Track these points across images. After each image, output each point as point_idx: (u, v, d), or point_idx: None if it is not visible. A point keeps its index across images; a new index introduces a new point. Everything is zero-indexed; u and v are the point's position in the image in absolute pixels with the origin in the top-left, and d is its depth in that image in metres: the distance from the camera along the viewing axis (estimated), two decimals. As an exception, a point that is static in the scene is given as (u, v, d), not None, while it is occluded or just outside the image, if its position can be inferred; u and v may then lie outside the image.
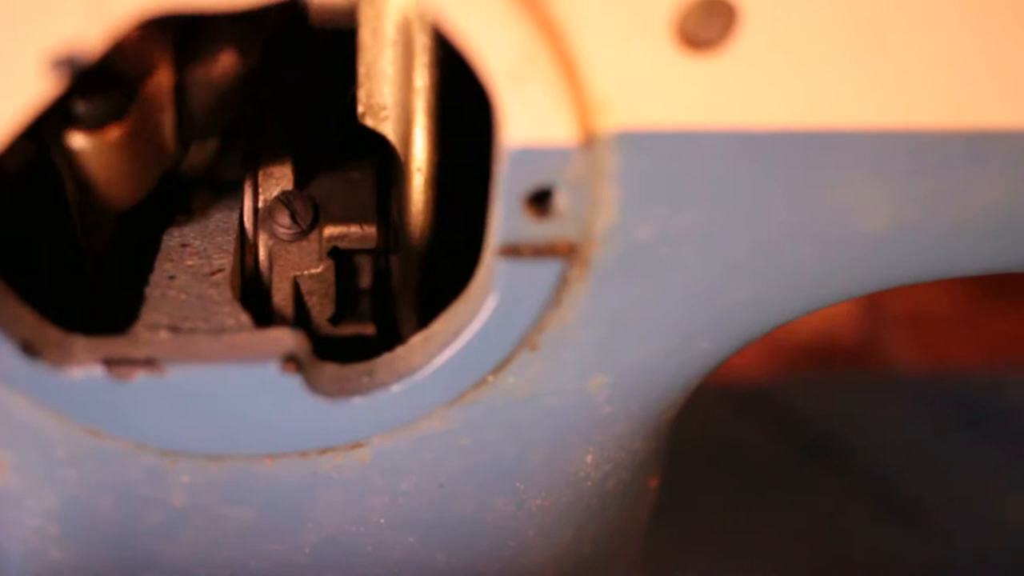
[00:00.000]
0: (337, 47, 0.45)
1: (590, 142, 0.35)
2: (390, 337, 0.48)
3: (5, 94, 0.33)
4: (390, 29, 0.40)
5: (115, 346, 0.39)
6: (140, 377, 0.39)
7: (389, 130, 0.43)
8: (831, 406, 1.29)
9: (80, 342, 0.39)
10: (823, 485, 1.24)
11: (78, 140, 0.38)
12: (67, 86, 0.33)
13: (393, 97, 0.42)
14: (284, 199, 0.46)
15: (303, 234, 0.46)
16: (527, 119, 0.34)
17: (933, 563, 1.18)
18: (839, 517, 1.22)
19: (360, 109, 0.43)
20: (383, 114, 0.43)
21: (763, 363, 1.30)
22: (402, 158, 0.43)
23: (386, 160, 0.47)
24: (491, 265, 0.38)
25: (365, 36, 0.41)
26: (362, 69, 0.42)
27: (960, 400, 1.31)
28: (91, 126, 0.38)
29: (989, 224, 0.41)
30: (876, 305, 1.37)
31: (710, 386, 0.49)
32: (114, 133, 0.38)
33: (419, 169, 0.42)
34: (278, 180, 0.47)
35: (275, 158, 0.47)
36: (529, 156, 0.35)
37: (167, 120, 0.40)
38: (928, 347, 1.36)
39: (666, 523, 0.60)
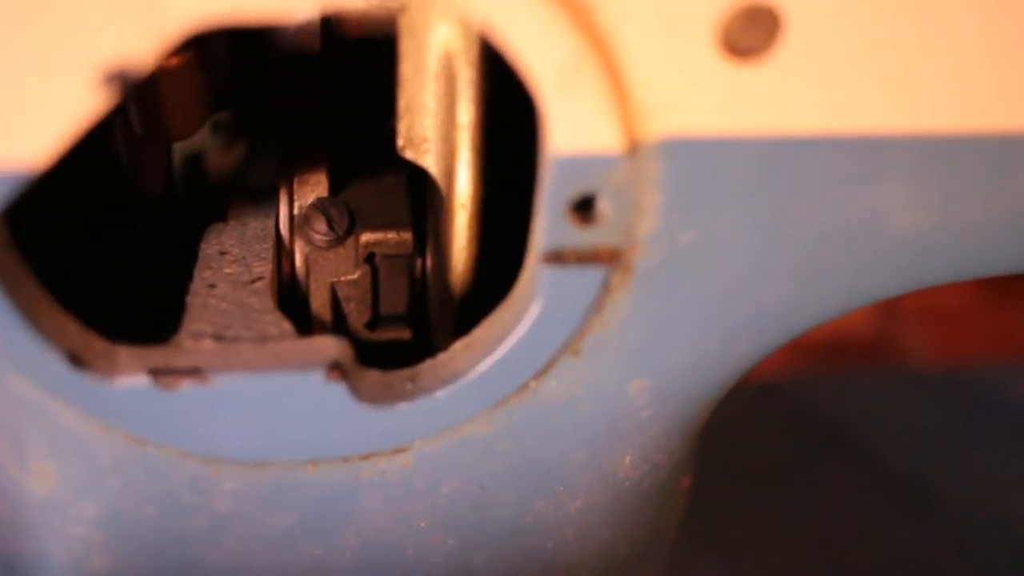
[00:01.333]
0: (370, 55, 0.46)
1: (634, 149, 0.35)
2: (425, 342, 0.48)
3: (58, 108, 0.33)
4: (433, 63, 0.40)
5: (160, 356, 0.39)
6: (185, 386, 0.39)
7: (431, 163, 0.43)
8: (846, 400, 1.30)
9: (125, 352, 0.40)
10: (837, 478, 1.25)
11: None
12: (117, 101, 0.33)
13: (435, 131, 0.42)
14: (320, 206, 0.46)
15: (339, 240, 0.46)
16: (573, 127, 0.34)
17: (947, 554, 1.19)
18: (853, 509, 1.22)
19: (400, 142, 0.43)
20: (424, 147, 0.43)
21: (778, 358, 1.30)
22: (444, 192, 0.43)
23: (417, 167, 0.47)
24: (535, 272, 0.38)
25: (406, 71, 0.41)
26: (403, 103, 0.42)
27: (974, 394, 1.32)
28: None
29: (1016, 227, 0.41)
30: (890, 300, 1.37)
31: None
32: (176, 61, 0.41)
33: (463, 206, 0.42)
34: (313, 187, 0.47)
35: (310, 165, 0.47)
36: (574, 163, 0.35)
37: (221, 58, 0.44)
38: (942, 342, 1.37)
39: (685, 516, 0.60)
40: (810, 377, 1.33)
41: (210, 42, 0.42)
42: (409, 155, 0.43)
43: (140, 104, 0.42)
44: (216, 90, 0.44)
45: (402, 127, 0.43)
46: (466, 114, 0.40)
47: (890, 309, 1.37)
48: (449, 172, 0.42)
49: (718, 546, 1.17)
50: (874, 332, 1.36)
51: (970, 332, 1.36)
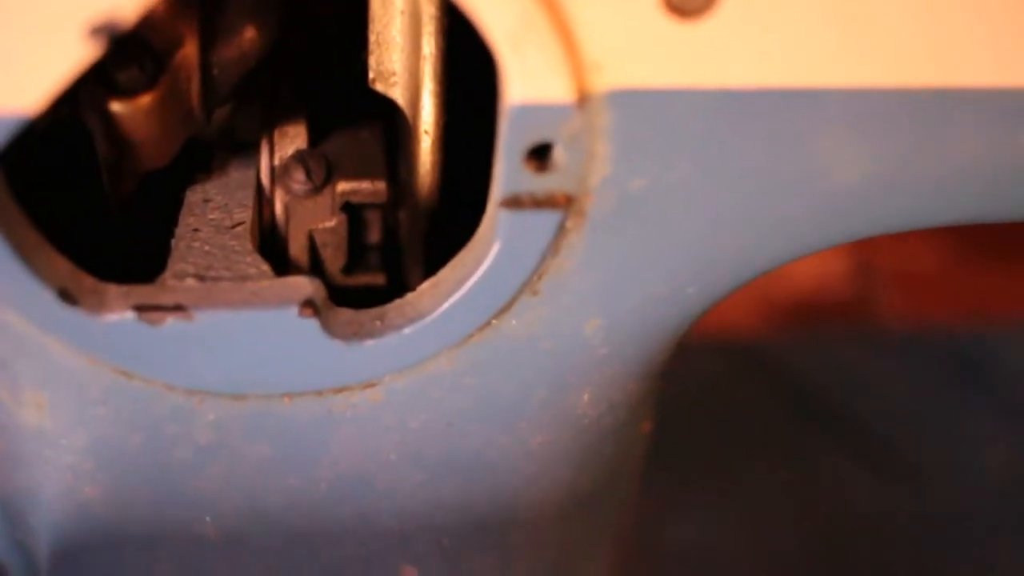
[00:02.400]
0: (344, 11, 0.48)
1: (585, 100, 0.38)
2: (398, 287, 0.51)
3: (47, 58, 0.36)
4: (399, 1, 0.43)
5: (146, 293, 0.42)
6: (169, 322, 0.42)
7: (398, 95, 0.46)
8: (822, 363, 1.32)
9: (113, 290, 0.42)
10: (813, 440, 1.27)
11: (115, 106, 0.41)
12: (104, 52, 0.36)
13: (402, 64, 0.45)
14: (299, 157, 0.49)
15: (317, 190, 0.49)
16: (527, 79, 0.37)
17: (922, 516, 1.21)
18: (829, 471, 1.25)
19: (371, 75, 0.46)
20: (392, 80, 0.46)
21: (755, 320, 1.33)
22: (411, 121, 0.46)
23: (393, 119, 0.50)
24: (494, 216, 0.41)
25: (375, 6, 0.44)
26: (372, 37, 0.45)
27: (950, 356, 1.34)
28: (127, 93, 0.41)
29: (961, 178, 0.44)
30: (866, 262, 1.39)
31: (702, 341, 0.52)
32: (147, 99, 0.42)
33: (427, 132, 0.45)
34: (293, 139, 0.49)
35: (289, 119, 0.50)
36: (529, 113, 0.38)
37: (194, 89, 0.44)
38: (918, 304, 1.39)
39: (661, 476, 0.63)
40: (786, 339, 1.35)
41: (179, 70, 0.43)
42: (379, 87, 0.46)
43: (109, 141, 0.43)
44: (189, 118, 0.45)
45: (372, 61, 0.45)
46: (429, 46, 0.43)
47: (866, 271, 1.39)
48: (415, 102, 0.45)
49: (692, 506, 1.20)
50: (850, 295, 1.38)
51: (947, 295, 1.38)
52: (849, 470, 1.25)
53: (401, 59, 0.45)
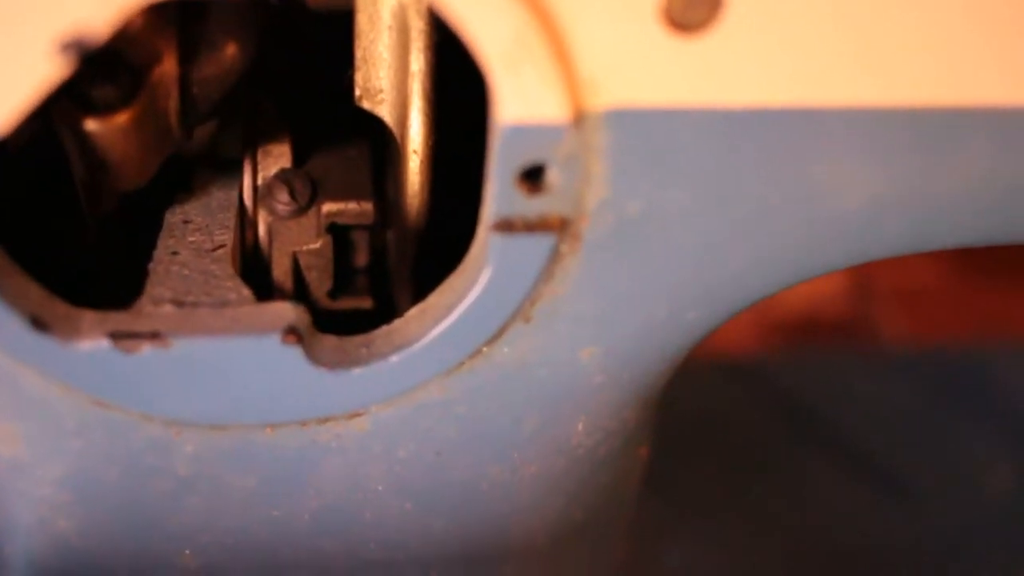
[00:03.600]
0: (331, 27, 0.47)
1: (580, 120, 0.36)
2: (386, 311, 0.49)
3: (15, 76, 0.34)
4: (386, 15, 0.42)
5: (121, 320, 0.41)
6: (146, 350, 0.40)
7: (386, 113, 0.44)
8: (819, 381, 1.31)
9: (87, 316, 0.41)
10: (810, 459, 1.25)
11: (90, 124, 0.40)
12: (74, 69, 0.34)
13: (389, 81, 0.44)
14: (283, 176, 0.47)
15: (302, 211, 0.47)
16: (520, 98, 0.35)
17: (917, 535, 1.20)
18: (825, 490, 1.23)
19: (357, 92, 0.44)
20: (379, 97, 0.44)
21: (752, 338, 1.32)
22: (399, 140, 0.44)
23: (381, 138, 0.48)
24: (485, 239, 0.39)
25: (362, 21, 0.43)
26: (359, 53, 0.43)
27: (947, 375, 1.33)
28: (102, 111, 0.40)
29: (968, 200, 0.42)
30: (865, 281, 1.38)
31: (699, 360, 0.50)
32: (123, 118, 0.40)
33: (415, 151, 0.43)
34: (276, 158, 0.48)
35: (273, 137, 0.48)
36: (522, 133, 0.36)
37: (172, 106, 0.42)
38: (916, 323, 1.38)
39: (654, 495, 0.61)
40: (784, 358, 1.34)
41: (157, 86, 0.42)
42: (366, 105, 0.44)
43: (84, 160, 0.42)
44: (167, 136, 0.43)
45: (359, 78, 0.44)
46: (417, 63, 0.42)
47: (865, 290, 1.38)
48: (403, 121, 0.43)
49: (687, 525, 1.18)
50: (849, 313, 1.37)
51: (946, 313, 1.37)
52: (847, 491, 1.24)
53: (389, 76, 0.43)
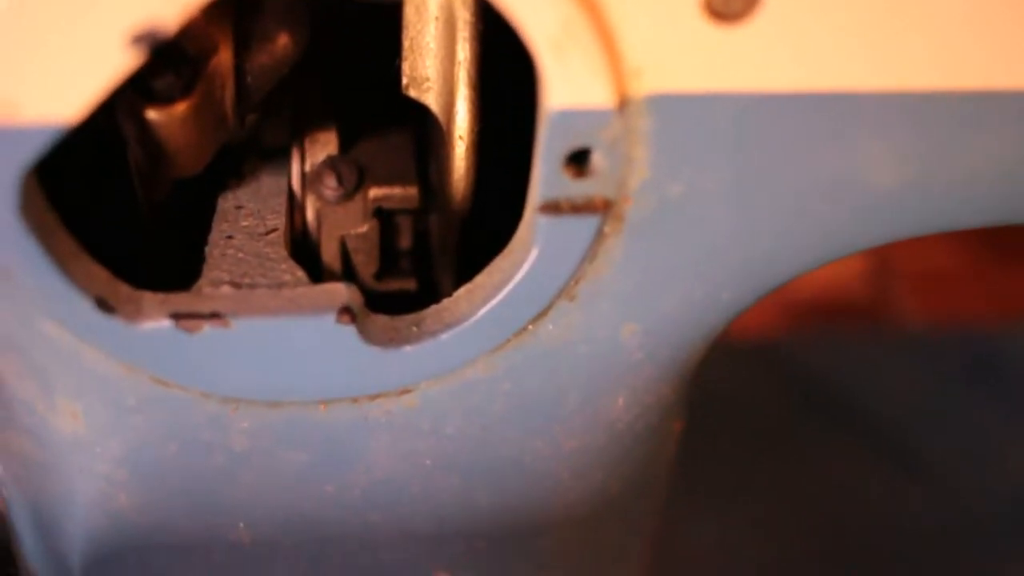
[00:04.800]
0: (376, 17, 0.48)
1: (624, 105, 0.38)
2: (429, 293, 0.51)
3: (89, 67, 0.35)
4: (433, 6, 0.43)
5: (183, 301, 0.42)
6: (206, 330, 0.42)
7: (432, 101, 0.46)
8: (839, 362, 1.32)
9: (149, 298, 0.42)
10: (830, 440, 1.27)
11: (151, 113, 0.41)
12: (145, 60, 0.36)
13: (436, 69, 0.45)
14: (330, 163, 0.49)
15: (348, 196, 0.49)
16: (567, 84, 0.37)
17: (938, 515, 1.21)
18: (845, 470, 1.25)
19: (404, 81, 0.46)
20: (426, 85, 0.45)
21: (772, 319, 1.33)
22: (444, 127, 0.45)
23: (424, 125, 0.50)
24: (532, 221, 0.41)
25: (409, 12, 0.44)
26: (406, 43, 0.45)
27: (967, 356, 1.34)
28: (163, 101, 0.41)
29: (991, 181, 0.44)
30: (884, 261, 1.39)
31: (721, 342, 0.52)
32: (183, 107, 0.42)
33: (461, 137, 0.45)
34: (324, 145, 0.49)
35: (320, 125, 0.50)
36: (569, 118, 0.38)
37: (228, 96, 0.44)
38: (935, 303, 1.39)
39: (675, 477, 0.63)
40: (803, 339, 1.35)
41: (213, 77, 0.43)
42: (412, 94, 0.46)
43: (144, 148, 0.43)
44: (222, 125, 0.45)
45: (406, 67, 0.45)
46: (463, 51, 0.43)
47: (884, 271, 1.39)
48: (449, 108, 0.45)
49: (709, 506, 1.20)
50: (868, 294, 1.38)
51: (964, 295, 1.38)
52: (865, 470, 1.25)
53: (435, 64, 0.45)
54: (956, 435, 1.28)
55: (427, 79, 0.45)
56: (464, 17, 0.43)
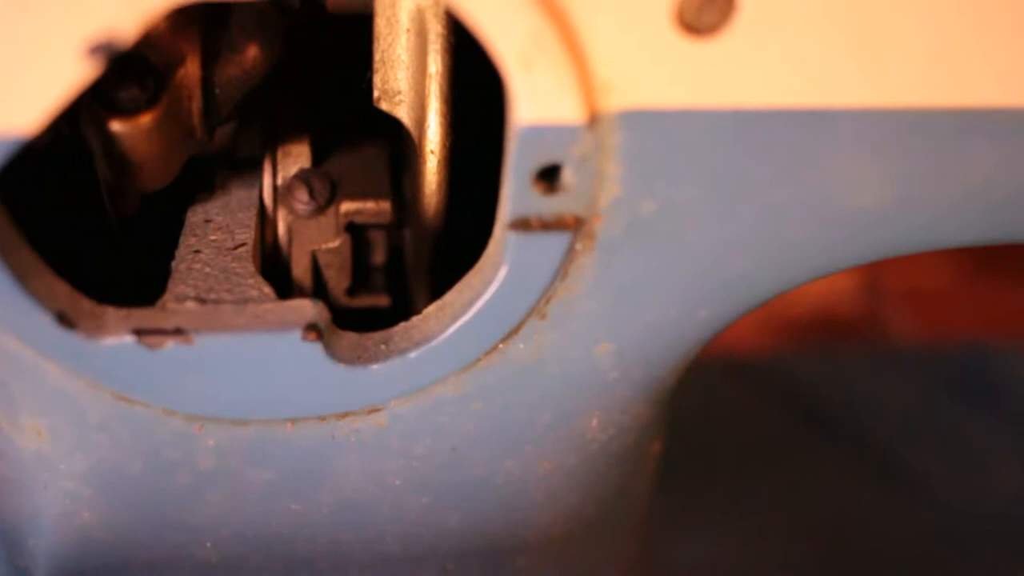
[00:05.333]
0: (349, 29, 0.47)
1: (595, 121, 0.37)
2: (403, 309, 0.50)
3: (45, 78, 0.35)
4: (404, 18, 0.43)
5: (146, 317, 0.41)
6: (169, 346, 0.41)
7: (404, 114, 0.45)
8: (831, 379, 1.31)
9: (112, 313, 0.41)
10: (822, 456, 1.26)
11: (115, 125, 0.41)
12: (102, 71, 0.35)
13: (407, 82, 0.44)
14: (302, 176, 0.48)
15: (320, 210, 0.48)
16: (536, 99, 0.36)
17: (929, 531, 1.20)
18: (837, 487, 1.24)
19: (375, 94, 0.45)
20: (397, 98, 0.45)
21: (764, 336, 1.32)
22: (416, 141, 0.45)
23: (398, 139, 0.49)
24: (502, 238, 0.40)
25: (380, 24, 0.43)
26: (377, 56, 0.44)
27: (958, 371, 1.33)
28: (127, 112, 0.40)
29: (976, 199, 0.43)
30: (875, 279, 1.38)
31: (712, 358, 0.51)
32: (147, 118, 0.41)
33: (432, 152, 0.44)
34: (296, 158, 0.49)
35: (292, 137, 0.49)
36: (538, 134, 0.37)
37: (195, 107, 0.43)
38: (926, 320, 1.38)
39: (666, 492, 0.62)
40: (795, 356, 1.34)
41: (180, 88, 0.42)
42: (384, 106, 0.45)
43: (109, 160, 0.43)
44: (190, 137, 0.44)
45: (377, 80, 0.45)
46: (435, 64, 0.43)
47: (875, 288, 1.38)
48: (420, 121, 0.44)
49: (701, 521, 1.19)
50: (859, 311, 1.37)
51: (956, 312, 1.37)
52: (858, 488, 1.24)
53: (407, 77, 0.44)
54: (948, 450, 1.28)
55: (398, 92, 0.45)
56: (436, 30, 0.42)
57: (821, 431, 1.28)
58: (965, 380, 1.32)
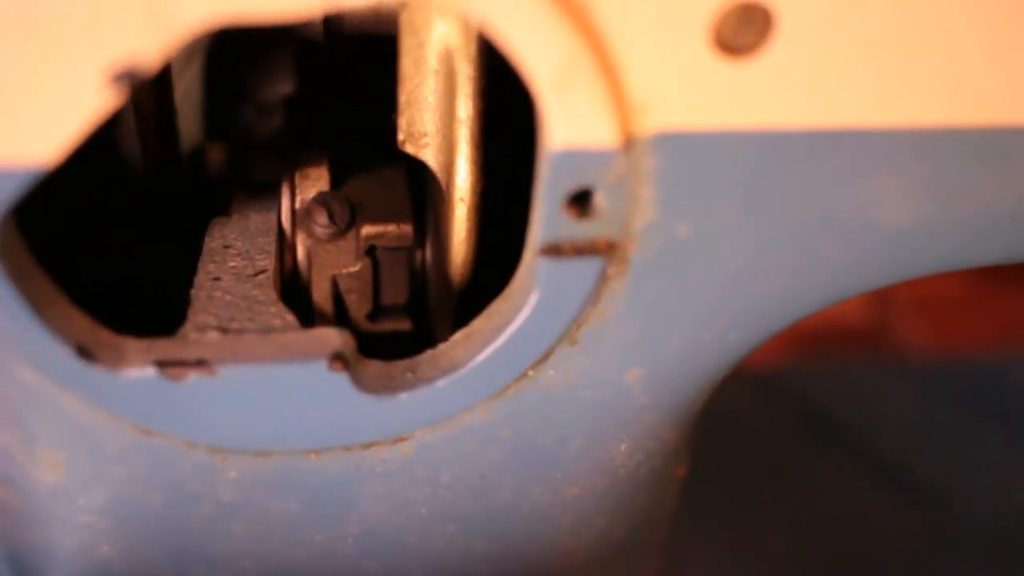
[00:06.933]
0: (368, 51, 0.46)
1: (629, 144, 0.36)
2: (424, 333, 0.49)
3: (66, 107, 0.34)
4: (433, 59, 0.41)
5: (167, 348, 0.40)
6: (191, 378, 0.40)
7: (430, 157, 0.44)
8: (841, 391, 1.31)
9: (132, 344, 0.40)
10: (832, 468, 1.25)
11: None
12: (124, 100, 0.34)
13: (435, 125, 0.43)
14: (321, 200, 0.47)
15: (340, 233, 0.47)
16: (570, 123, 0.35)
17: (941, 544, 1.19)
18: (848, 500, 1.23)
19: (400, 136, 0.44)
20: (424, 141, 0.44)
21: (774, 348, 1.31)
22: (444, 186, 0.44)
23: (419, 174, 0.48)
24: (532, 264, 0.39)
25: (407, 65, 0.42)
26: (403, 97, 0.43)
27: (969, 382, 1.32)
28: None
29: (1006, 217, 0.42)
30: (885, 291, 1.38)
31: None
32: None
33: (462, 199, 0.43)
34: (314, 181, 0.48)
35: (311, 160, 0.48)
36: (571, 158, 0.36)
37: None
38: (937, 332, 1.37)
39: (679, 505, 0.61)
40: (805, 368, 1.34)
41: None
42: (409, 149, 0.44)
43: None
44: None
45: (402, 122, 0.43)
46: (465, 109, 0.41)
47: (885, 300, 1.38)
48: (448, 166, 0.43)
49: (712, 536, 1.18)
50: (870, 323, 1.37)
51: (965, 323, 1.37)
52: (870, 499, 1.23)
53: (434, 120, 0.43)
54: (959, 462, 1.27)
55: (425, 134, 0.43)
56: (466, 72, 0.41)
57: (831, 443, 1.27)
58: (975, 391, 1.32)
